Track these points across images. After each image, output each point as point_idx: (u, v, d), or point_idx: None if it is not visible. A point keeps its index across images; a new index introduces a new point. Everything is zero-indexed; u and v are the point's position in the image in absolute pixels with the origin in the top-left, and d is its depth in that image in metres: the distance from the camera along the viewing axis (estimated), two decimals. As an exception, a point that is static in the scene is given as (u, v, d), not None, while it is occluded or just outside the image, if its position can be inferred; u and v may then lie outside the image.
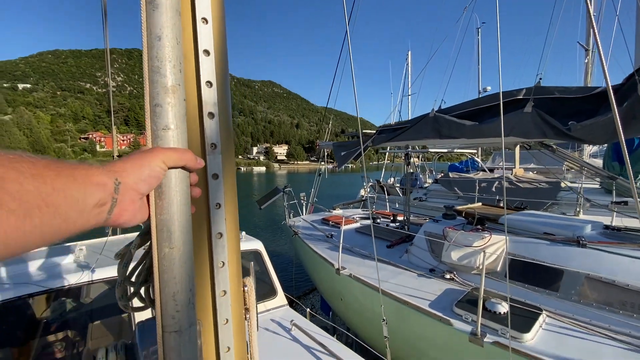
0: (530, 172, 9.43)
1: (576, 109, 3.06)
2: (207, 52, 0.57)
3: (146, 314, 2.05)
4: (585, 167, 4.36)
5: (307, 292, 7.49)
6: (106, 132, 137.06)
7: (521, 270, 3.22)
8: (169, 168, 0.47)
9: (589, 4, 1.83)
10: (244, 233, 3.50)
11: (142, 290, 0.73)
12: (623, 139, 1.69)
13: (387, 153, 15.34)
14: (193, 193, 0.52)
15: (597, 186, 7.34)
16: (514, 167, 9.42)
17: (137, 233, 0.71)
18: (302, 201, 7.46)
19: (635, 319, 2.55)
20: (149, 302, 0.74)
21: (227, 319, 0.65)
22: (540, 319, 2.71)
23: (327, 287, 4.85)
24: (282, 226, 7.97)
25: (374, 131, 5.29)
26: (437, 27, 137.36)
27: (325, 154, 8.31)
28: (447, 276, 3.58)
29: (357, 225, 6.12)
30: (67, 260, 2.71)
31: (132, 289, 0.70)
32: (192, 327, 0.51)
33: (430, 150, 9.64)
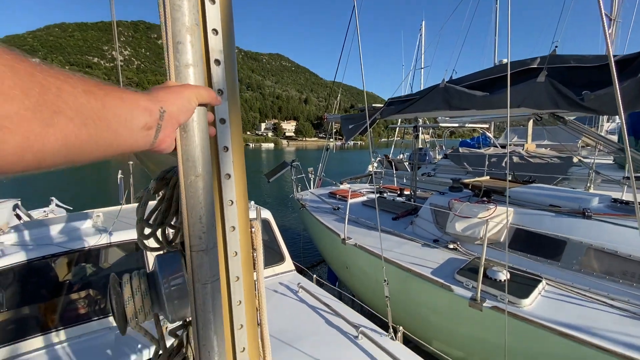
0: (543, 149, 9.24)
1: (592, 79, 2.95)
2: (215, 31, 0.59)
3: None
4: (599, 140, 4.26)
5: (314, 264, 7.71)
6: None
7: (525, 241, 3.26)
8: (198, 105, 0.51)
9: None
10: (252, 202, 3.60)
11: (158, 232, 0.80)
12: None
13: (397, 129, 15.11)
14: (209, 131, 0.57)
15: (611, 161, 7.18)
16: (526, 143, 9.23)
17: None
18: (310, 175, 7.52)
19: (635, 287, 2.59)
20: (166, 243, 0.82)
21: (238, 276, 0.71)
22: (540, 286, 2.78)
23: (333, 257, 5.00)
24: (290, 200, 8.09)
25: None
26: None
27: (334, 130, 8.25)
28: (451, 246, 3.65)
29: (364, 198, 6.18)
30: (86, 225, 2.87)
31: (149, 230, 0.77)
32: (214, 247, 0.58)
33: (440, 125, 9.47)
